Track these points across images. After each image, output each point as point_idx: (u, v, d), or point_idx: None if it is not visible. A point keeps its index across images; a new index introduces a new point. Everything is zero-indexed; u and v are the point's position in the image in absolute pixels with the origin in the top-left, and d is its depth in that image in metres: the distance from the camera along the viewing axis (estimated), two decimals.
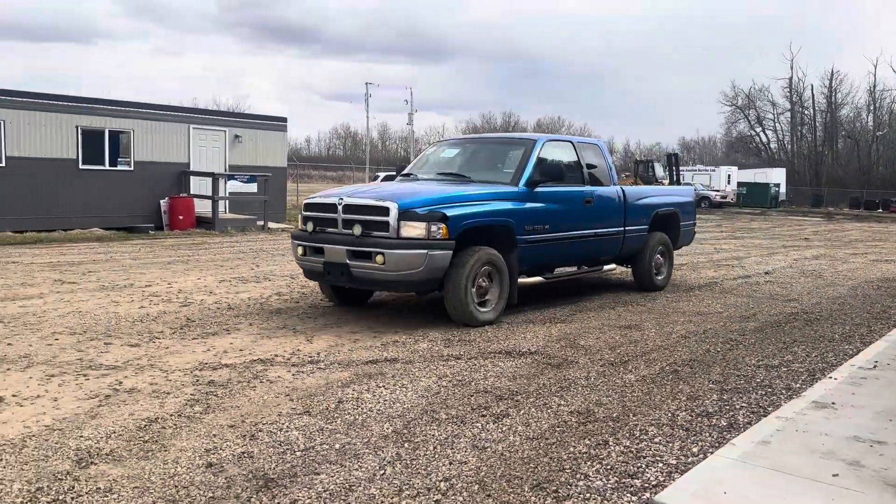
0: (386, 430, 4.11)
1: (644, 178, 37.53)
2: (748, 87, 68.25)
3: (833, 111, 61.85)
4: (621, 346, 6.30)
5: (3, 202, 16.01)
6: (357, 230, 6.83)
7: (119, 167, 18.10)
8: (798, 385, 5.14)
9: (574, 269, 8.85)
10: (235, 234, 17.76)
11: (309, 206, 7.47)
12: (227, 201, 19.71)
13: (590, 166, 8.68)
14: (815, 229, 25.08)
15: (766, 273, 11.71)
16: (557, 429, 4.18)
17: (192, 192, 19.07)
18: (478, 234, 7.02)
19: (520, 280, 7.53)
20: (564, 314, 7.75)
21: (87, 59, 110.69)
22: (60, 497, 3.22)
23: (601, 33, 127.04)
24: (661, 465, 3.68)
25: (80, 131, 17.19)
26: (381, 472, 3.55)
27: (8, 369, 5.22)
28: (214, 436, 3.98)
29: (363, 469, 3.58)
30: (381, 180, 21.55)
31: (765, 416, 4.36)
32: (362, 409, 4.49)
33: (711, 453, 3.73)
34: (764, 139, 67.08)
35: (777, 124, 66.03)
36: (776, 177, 49.67)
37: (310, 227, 7.31)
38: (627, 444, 3.96)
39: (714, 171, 49.46)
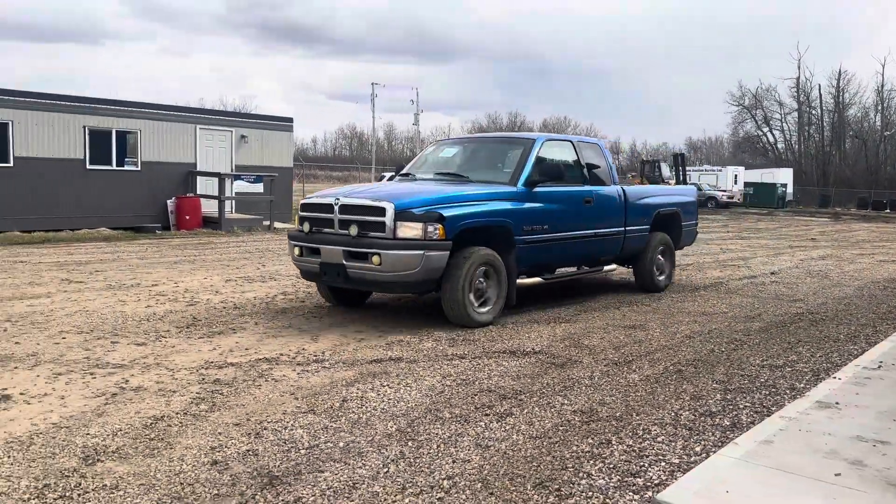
0: (390, 429, 4.13)
1: (650, 178, 37.50)
2: (755, 86, 68.24)
3: (840, 111, 61.64)
4: (625, 345, 6.31)
5: (11, 202, 16.11)
6: (353, 230, 6.80)
7: (126, 167, 18.19)
8: (802, 385, 5.14)
9: (574, 269, 8.80)
10: (242, 234, 17.82)
11: (305, 207, 7.44)
12: (234, 201, 19.78)
13: (590, 166, 8.62)
14: (822, 230, 25.00)
15: (772, 273, 11.69)
16: (561, 428, 4.20)
17: (198, 192, 19.15)
18: (475, 234, 6.97)
19: (518, 281, 7.49)
20: (569, 314, 7.76)
21: (95, 59, 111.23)
22: (67, 493, 3.25)
23: (608, 33, 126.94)
24: (663, 464, 3.69)
25: (87, 131, 17.29)
26: (385, 469, 3.57)
27: (16, 367, 5.27)
28: (220, 434, 4.01)
29: (367, 467, 3.60)
30: (387, 180, 21.58)
31: (768, 415, 4.37)
32: (366, 407, 4.51)
33: (714, 452, 3.74)
34: (771, 139, 66.95)
35: (784, 124, 65.90)
36: (783, 177, 49.49)
37: (306, 227, 7.28)
38: (630, 443, 3.97)
39: (721, 171, 49.30)
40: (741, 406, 4.66)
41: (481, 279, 7.00)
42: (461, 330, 6.76)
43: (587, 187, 8.45)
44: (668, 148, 77.39)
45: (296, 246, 7.38)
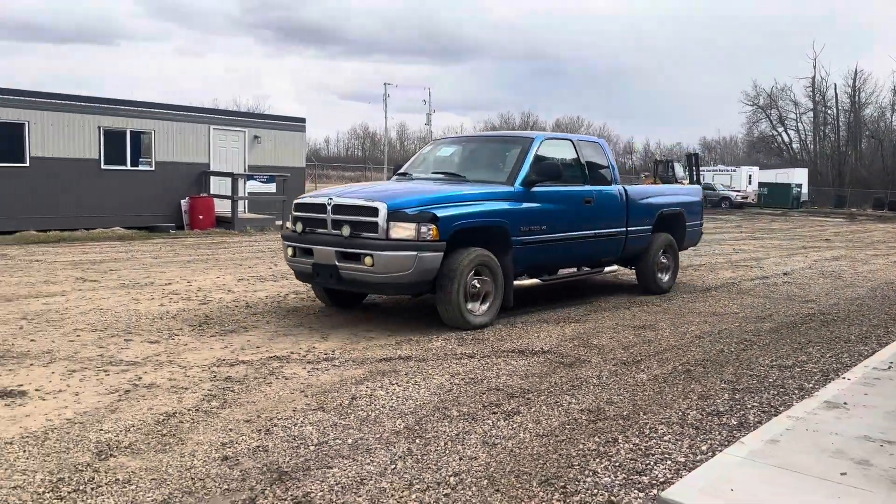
0: (398, 426, 4.18)
1: (664, 178, 37.36)
2: (770, 86, 67.65)
3: (856, 111, 61.11)
4: (635, 345, 6.32)
5: (28, 202, 16.31)
6: (346, 231, 6.69)
7: (140, 167, 18.36)
8: (811, 385, 5.14)
9: (573, 270, 8.68)
10: (254, 234, 17.94)
11: (299, 207, 7.31)
12: (247, 201, 19.91)
13: (590, 165, 8.47)
14: (836, 230, 24.83)
15: (785, 274, 11.64)
16: (567, 426, 4.22)
17: (212, 192, 19.30)
18: (471, 235, 6.86)
19: (516, 282, 7.37)
20: (579, 314, 7.78)
21: (110, 60, 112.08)
22: (81, 488, 3.31)
23: (622, 33, 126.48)
24: (669, 462, 3.71)
25: (102, 132, 17.46)
26: (393, 466, 3.61)
27: (31, 364, 5.35)
28: (230, 430, 4.07)
29: (375, 463, 3.64)
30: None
31: (776, 415, 4.37)
32: (375, 405, 4.55)
33: (720, 451, 3.75)
34: (786, 139, 66.45)
35: (799, 124, 65.39)
36: (798, 177, 49.15)
37: (299, 227, 7.17)
38: (637, 441, 3.99)
39: (735, 171, 49.01)
40: (749, 406, 4.67)
41: (477, 281, 6.88)
42: (470, 329, 6.79)
43: (587, 187, 8.32)
44: (681, 148, 77.01)
45: (289, 246, 7.28)
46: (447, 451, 3.81)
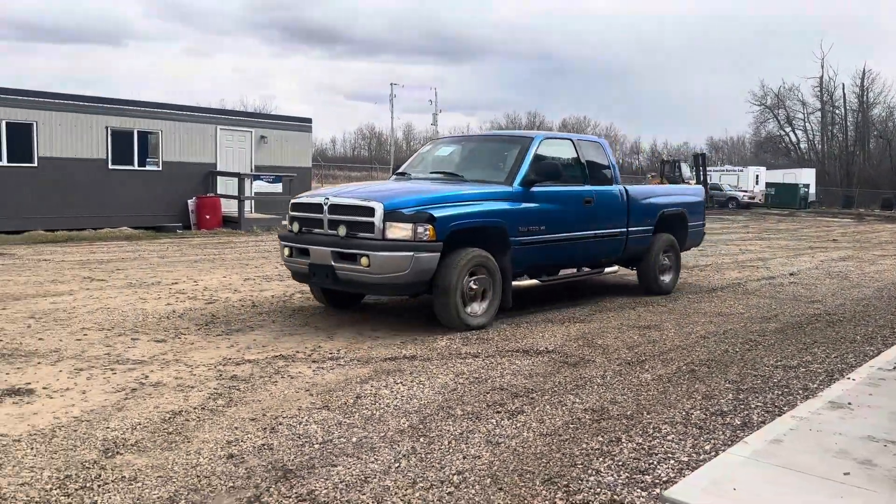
0: (402, 425, 4.20)
1: (671, 178, 37.30)
2: (778, 86, 67.52)
3: (865, 111, 60.85)
4: (639, 345, 6.33)
5: (36, 201, 16.40)
6: (342, 231, 6.66)
7: (147, 167, 18.44)
8: (815, 385, 5.13)
9: (574, 270, 8.62)
10: (261, 234, 18.00)
11: (295, 206, 7.26)
12: (253, 201, 19.97)
13: (591, 165, 8.40)
14: (843, 230, 24.74)
15: (791, 274, 11.61)
16: (571, 426, 4.24)
17: (218, 192, 19.37)
18: (468, 235, 6.80)
19: (514, 283, 7.32)
20: (584, 314, 7.78)
21: (118, 60, 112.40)
22: (87, 484, 3.34)
23: (628, 33, 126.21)
24: (672, 462, 3.72)
25: (109, 132, 17.55)
26: (396, 464, 3.63)
27: (39, 363, 5.40)
28: (236, 428, 4.10)
29: (379, 462, 3.66)
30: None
31: (780, 415, 4.37)
32: (380, 404, 4.57)
33: (723, 451, 3.76)
34: (794, 139, 66.23)
35: (807, 124, 65.14)
36: (805, 177, 48.97)
37: (296, 227, 7.14)
38: (640, 441, 4.00)
39: (742, 171, 48.84)
40: (753, 406, 4.67)
41: (474, 281, 6.81)
42: (467, 330, 6.80)
43: (587, 187, 8.25)
44: (689, 148, 76.82)
45: (286, 246, 7.23)
46: (451, 450, 3.83)
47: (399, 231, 6.42)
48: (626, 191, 8.83)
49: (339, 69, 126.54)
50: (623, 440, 4.01)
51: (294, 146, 21.78)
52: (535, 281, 7.80)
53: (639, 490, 3.38)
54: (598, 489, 3.38)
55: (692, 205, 10.06)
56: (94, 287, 9.02)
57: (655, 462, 3.71)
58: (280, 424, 4.17)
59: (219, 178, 19.55)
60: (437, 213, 6.50)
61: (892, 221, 33.47)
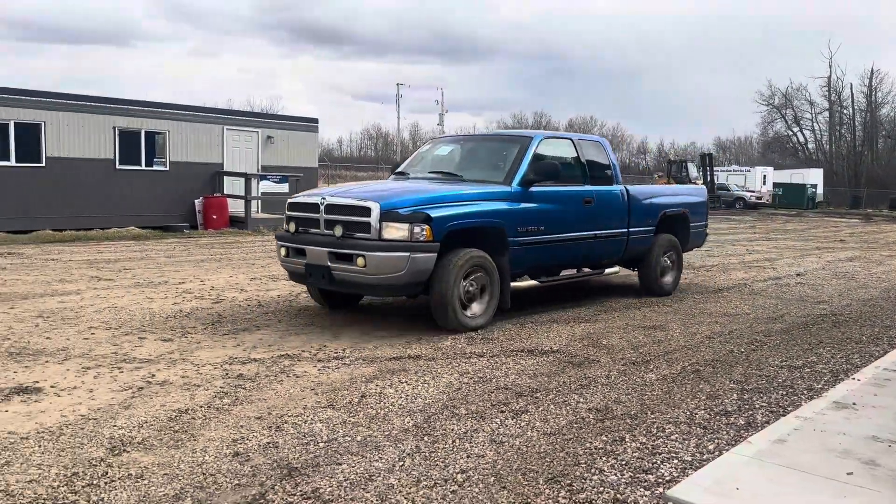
0: (407, 424, 4.21)
1: (677, 178, 37.25)
2: (785, 86, 67.28)
3: (873, 110, 60.61)
4: (644, 345, 6.33)
5: (44, 201, 16.50)
6: (338, 231, 6.61)
7: (155, 167, 18.53)
8: (820, 386, 5.13)
9: (574, 271, 8.58)
10: (267, 234, 18.04)
11: (292, 206, 7.21)
12: (260, 201, 20.03)
13: (591, 164, 8.33)
14: (851, 231, 24.65)
15: (798, 275, 11.59)
16: (575, 425, 4.25)
17: (225, 192, 19.44)
18: (466, 235, 6.75)
19: (513, 284, 7.28)
20: (589, 314, 7.79)
21: (125, 61, 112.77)
22: (94, 482, 3.37)
23: (635, 32, 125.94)
24: (675, 461, 3.73)
25: (117, 132, 17.64)
26: (401, 463, 3.65)
27: (46, 361, 5.44)
28: (242, 427, 4.13)
29: (383, 460, 3.68)
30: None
31: (784, 415, 4.38)
32: (384, 403, 4.59)
33: (727, 451, 3.76)
34: (801, 139, 66.01)
35: (815, 124, 64.90)
36: (813, 177, 48.80)
37: (292, 227, 7.10)
38: (644, 440, 4.01)
39: (749, 171, 48.64)
40: (757, 406, 4.67)
41: (472, 282, 6.76)
42: (480, 329, 6.81)
43: (587, 187, 8.17)
44: (696, 148, 76.56)
45: (282, 246, 7.19)
46: (455, 449, 3.85)
47: (395, 231, 6.38)
48: (627, 191, 8.76)
49: (346, 69, 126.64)
50: (627, 440, 4.02)
51: (300, 146, 21.84)
52: (534, 282, 7.77)
53: (642, 489, 3.39)
54: (602, 488, 3.40)
55: (694, 205, 9.96)
56: (102, 286, 9.07)
57: (659, 461, 3.72)
58: (285, 423, 4.20)
59: (225, 178, 19.63)
60: (434, 213, 6.46)
61: None
